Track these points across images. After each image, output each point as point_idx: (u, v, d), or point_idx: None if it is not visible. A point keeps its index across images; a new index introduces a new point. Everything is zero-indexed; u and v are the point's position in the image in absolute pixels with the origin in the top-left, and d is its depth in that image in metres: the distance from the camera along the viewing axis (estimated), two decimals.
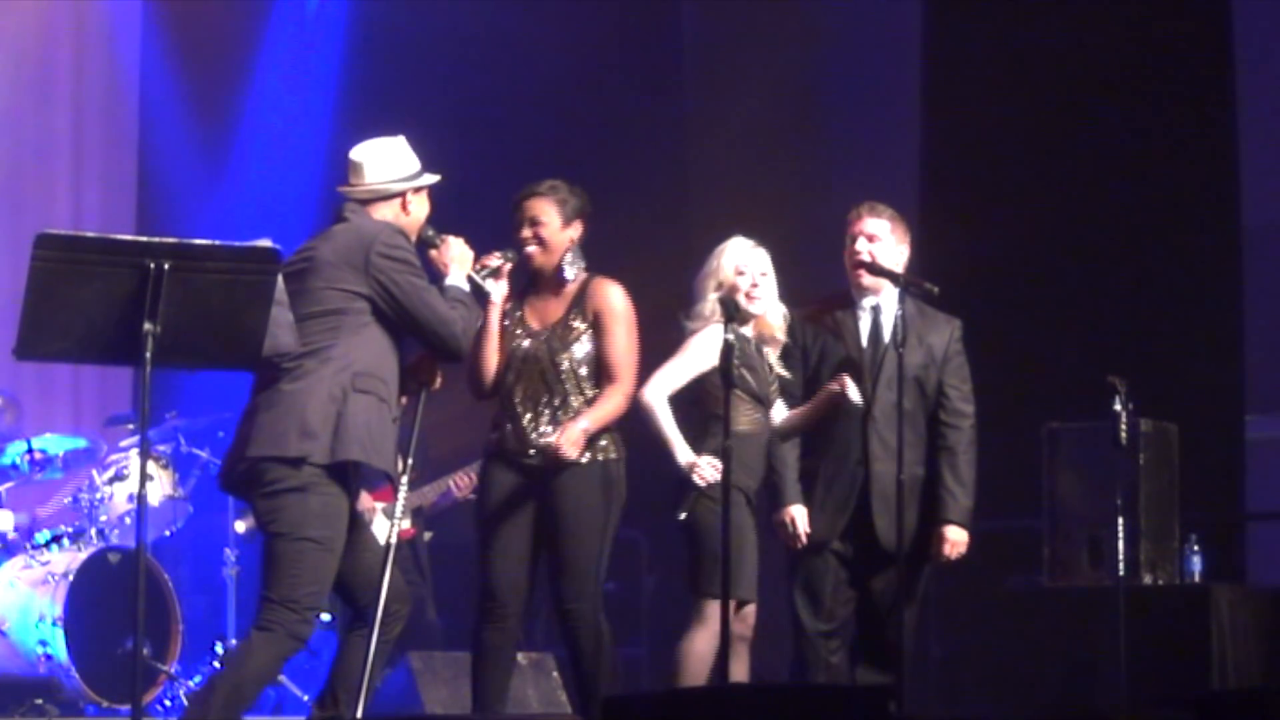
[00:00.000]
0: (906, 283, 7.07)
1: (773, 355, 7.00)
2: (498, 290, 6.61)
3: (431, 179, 6.28)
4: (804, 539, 6.95)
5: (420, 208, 6.26)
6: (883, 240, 7.04)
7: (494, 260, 6.56)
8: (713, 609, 6.67)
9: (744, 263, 6.90)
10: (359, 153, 6.21)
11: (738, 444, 6.63)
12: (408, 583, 9.73)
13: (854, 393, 6.86)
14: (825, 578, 6.98)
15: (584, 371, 6.65)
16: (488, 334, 6.62)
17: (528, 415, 6.62)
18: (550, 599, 6.70)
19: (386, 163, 6.20)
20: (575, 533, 6.59)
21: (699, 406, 6.88)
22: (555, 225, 6.69)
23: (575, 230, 6.73)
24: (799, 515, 6.95)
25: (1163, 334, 9.49)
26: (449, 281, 6.20)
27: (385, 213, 6.16)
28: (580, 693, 6.71)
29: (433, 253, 6.31)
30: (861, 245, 7.03)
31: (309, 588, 5.91)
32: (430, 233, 6.30)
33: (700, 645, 6.79)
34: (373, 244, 6.00)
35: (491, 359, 6.65)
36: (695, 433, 6.85)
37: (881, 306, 7.07)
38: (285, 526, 5.91)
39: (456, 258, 6.28)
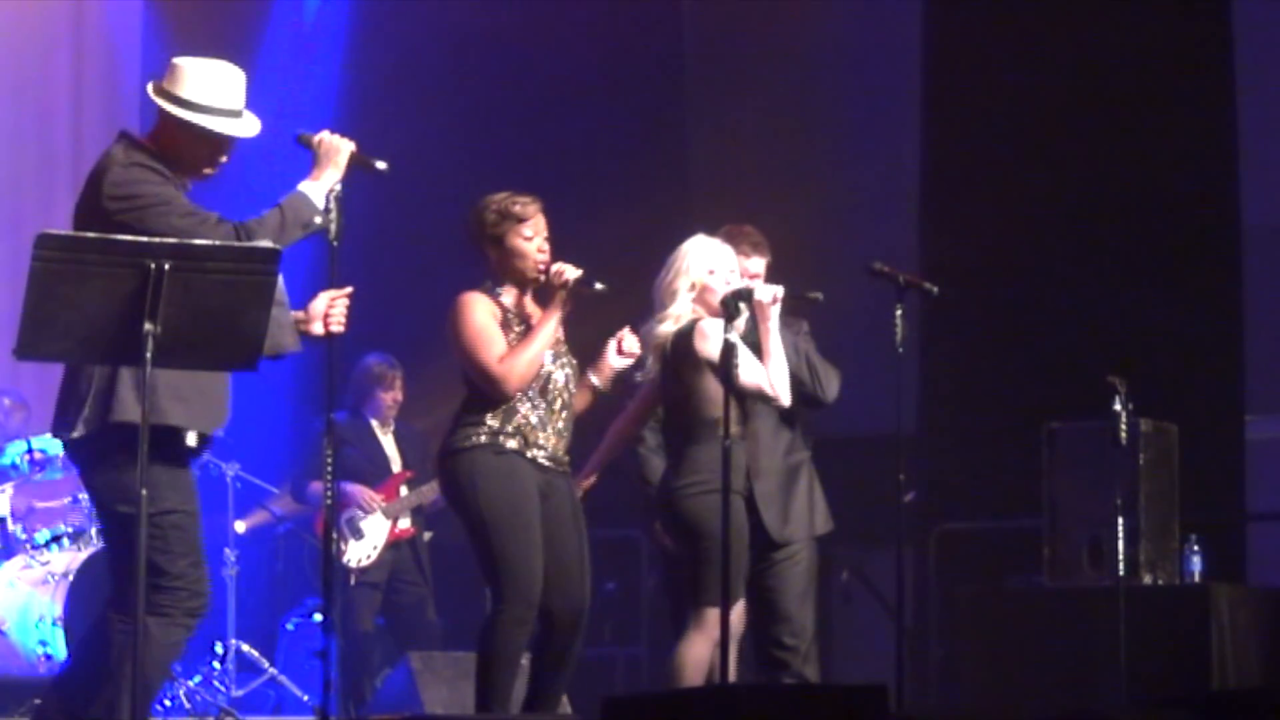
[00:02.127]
0: (907, 283, 7.09)
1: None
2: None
3: (233, 129, 5.91)
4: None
5: (193, 146, 5.87)
6: (760, 277, 7.11)
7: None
8: (712, 615, 6.69)
9: (715, 262, 6.90)
10: (191, 60, 5.91)
11: (732, 447, 6.69)
12: (408, 583, 9.78)
13: None
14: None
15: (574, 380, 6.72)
16: (549, 337, 6.59)
17: (554, 413, 6.62)
18: (548, 598, 6.58)
19: (212, 86, 5.88)
20: (584, 535, 6.65)
21: (682, 410, 6.89)
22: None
23: None
24: None
25: (1163, 334, 9.49)
26: (300, 185, 5.91)
27: (169, 131, 5.89)
28: (544, 690, 6.64)
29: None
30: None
31: (183, 560, 5.75)
32: (304, 134, 6.01)
33: (703, 652, 6.78)
34: (100, 190, 5.75)
35: (541, 362, 6.60)
36: (684, 437, 6.86)
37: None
38: (124, 504, 5.68)
39: (322, 163, 5.94)
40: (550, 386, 6.63)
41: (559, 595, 6.58)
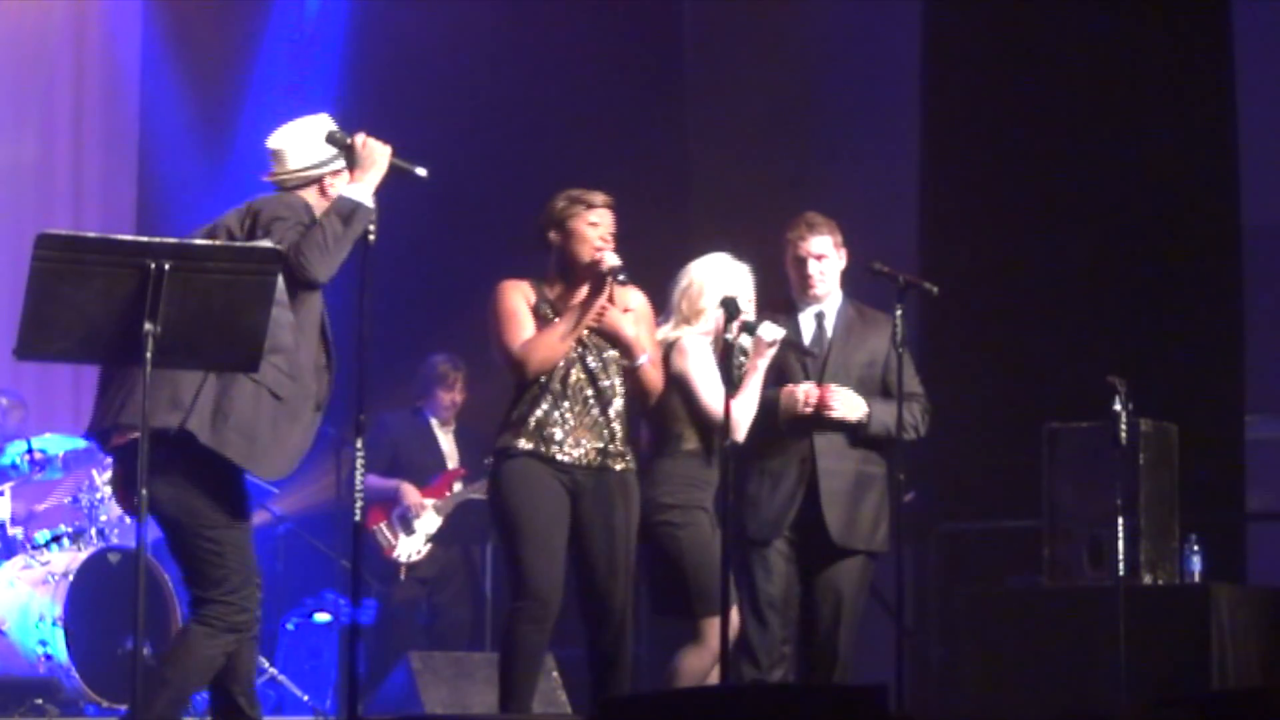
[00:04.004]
0: (907, 283, 7.11)
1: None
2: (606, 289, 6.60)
3: (336, 164, 6.09)
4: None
5: (341, 186, 6.06)
6: (829, 257, 7.12)
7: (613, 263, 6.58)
8: (710, 626, 6.72)
9: (739, 286, 6.93)
10: (276, 140, 6.11)
11: (690, 460, 6.73)
12: (454, 581, 9.81)
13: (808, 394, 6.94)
14: (774, 579, 7.00)
15: (619, 373, 6.67)
16: (575, 329, 6.57)
17: (577, 409, 6.60)
18: (583, 599, 6.64)
19: (306, 147, 6.07)
20: (623, 533, 6.60)
21: (657, 423, 6.92)
22: None
23: None
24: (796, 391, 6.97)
25: (1163, 334, 9.49)
26: (345, 190, 5.97)
27: (309, 197, 6.05)
28: (599, 695, 6.66)
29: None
30: (813, 268, 7.09)
31: (237, 576, 5.81)
32: (339, 134, 6.08)
33: (699, 663, 6.81)
34: (263, 211, 5.90)
35: (562, 352, 6.56)
36: (655, 450, 6.90)
37: (825, 312, 7.16)
38: (187, 516, 5.80)
39: (364, 166, 6.01)
40: (572, 382, 6.60)
41: (590, 596, 6.60)
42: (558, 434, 6.56)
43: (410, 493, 9.66)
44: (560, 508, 6.55)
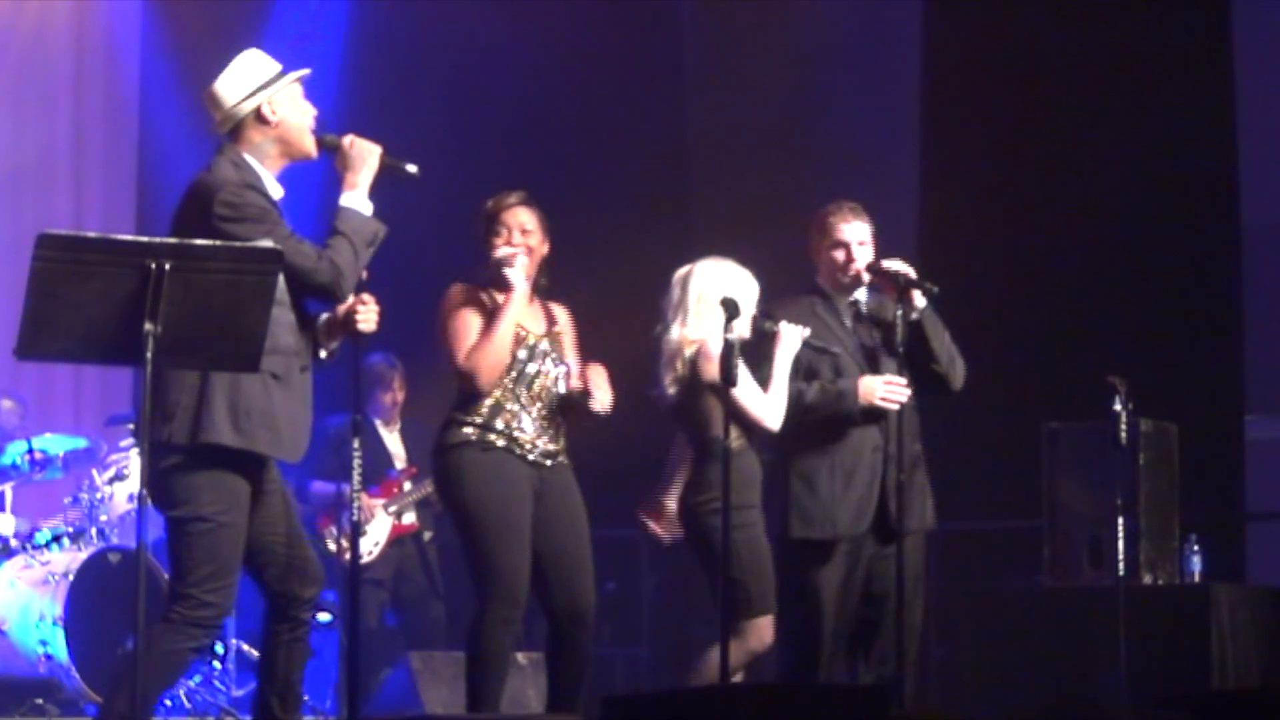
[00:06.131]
0: (908, 283, 7.11)
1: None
2: (518, 281, 6.59)
3: (293, 75, 5.91)
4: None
5: (290, 111, 5.90)
6: (867, 244, 7.10)
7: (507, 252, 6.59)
8: (752, 626, 6.73)
9: (743, 288, 6.93)
10: (208, 88, 5.91)
11: (740, 459, 6.72)
12: (414, 580, 9.76)
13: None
14: (841, 578, 7.00)
15: (561, 384, 6.68)
16: (507, 328, 6.59)
17: (533, 414, 6.62)
18: (551, 597, 6.64)
19: (234, 83, 5.89)
20: (583, 532, 6.63)
21: (694, 426, 6.92)
22: (539, 236, 6.71)
23: (546, 245, 6.76)
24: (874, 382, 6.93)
25: (1163, 334, 9.49)
26: (343, 201, 5.86)
27: (255, 136, 5.88)
28: (562, 690, 6.67)
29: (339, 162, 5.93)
30: (858, 253, 7.06)
31: (201, 570, 5.72)
32: (329, 136, 5.95)
33: (737, 660, 6.78)
34: (210, 205, 5.72)
35: (506, 354, 6.59)
36: (697, 453, 6.88)
37: (860, 301, 7.14)
38: (167, 508, 5.74)
39: (354, 167, 5.87)
40: (537, 384, 6.64)
41: (560, 593, 6.59)
42: (528, 434, 6.59)
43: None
44: (528, 505, 6.56)
